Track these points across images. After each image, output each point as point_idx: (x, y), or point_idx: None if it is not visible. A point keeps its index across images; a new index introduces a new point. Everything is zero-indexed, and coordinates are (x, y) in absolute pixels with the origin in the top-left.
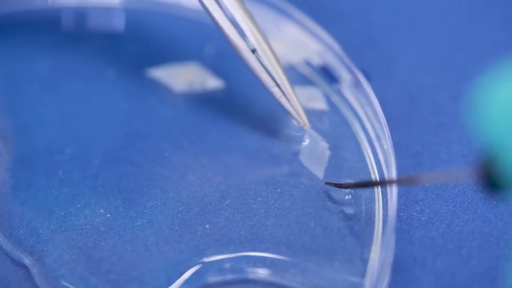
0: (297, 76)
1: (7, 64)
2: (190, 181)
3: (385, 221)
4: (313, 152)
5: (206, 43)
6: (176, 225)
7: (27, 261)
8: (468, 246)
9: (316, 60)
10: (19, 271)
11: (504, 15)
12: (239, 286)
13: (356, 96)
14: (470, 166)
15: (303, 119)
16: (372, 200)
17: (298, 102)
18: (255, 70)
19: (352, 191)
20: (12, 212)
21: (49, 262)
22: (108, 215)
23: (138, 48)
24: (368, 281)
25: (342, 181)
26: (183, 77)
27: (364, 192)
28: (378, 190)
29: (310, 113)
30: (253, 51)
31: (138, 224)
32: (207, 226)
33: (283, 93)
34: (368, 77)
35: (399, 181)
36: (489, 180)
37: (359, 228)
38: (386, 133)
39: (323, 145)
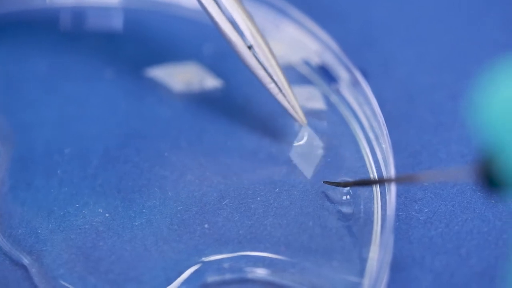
0: (296, 76)
1: (6, 64)
2: (189, 181)
3: (383, 220)
4: (306, 150)
5: (204, 43)
6: (175, 224)
7: (26, 260)
8: (467, 245)
9: (315, 60)
10: (18, 271)
11: (503, 15)
12: (238, 286)
13: (355, 96)
14: (469, 166)
15: (300, 115)
16: (370, 199)
17: (295, 98)
18: (252, 67)
19: (351, 191)
20: (11, 212)
21: (48, 262)
22: (107, 215)
23: (137, 47)
24: (366, 281)
25: (340, 180)
26: (182, 77)
27: (362, 192)
28: (376, 190)
29: (309, 113)
30: (250, 47)
31: (137, 223)
32: (206, 225)
33: (280, 90)
34: (366, 76)
35: (398, 180)
36: (488, 180)
37: (357, 228)
38: (385, 133)
39: (317, 143)
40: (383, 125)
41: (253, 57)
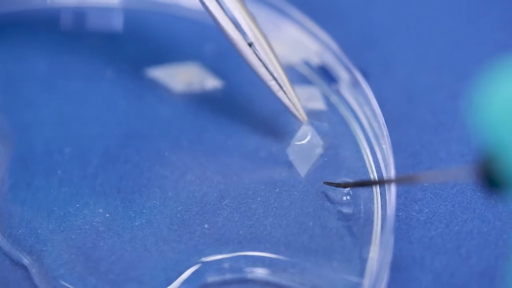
0: (296, 76)
1: (6, 63)
2: (189, 181)
3: (383, 220)
4: (304, 148)
5: (205, 43)
6: (175, 225)
7: (26, 261)
8: (467, 245)
9: (315, 60)
10: (18, 271)
11: (503, 15)
12: (238, 286)
13: (355, 96)
14: (469, 166)
15: (301, 113)
16: (370, 199)
17: (295, 96)
18: (252, 64)
19: (351, 191)
20: (11, 211)
21: (48, 262)
22: (107, 215)
23: (137, 47)
24: (367, 281)
25: (340, 181)
26: (182, 77)
27: (362, 192)
28: (376, 190)
29: (309, 113)
30: (250, 45)
31: (137, 224)
32: (206, 226)
33: (281, 87)
34: (366, 76)
35: (398, 181)
36: (488, 180)
37: (358, 228)
38: (385, 133)
39: (317, 142)
40: (383, 125)
41: (253, 55)
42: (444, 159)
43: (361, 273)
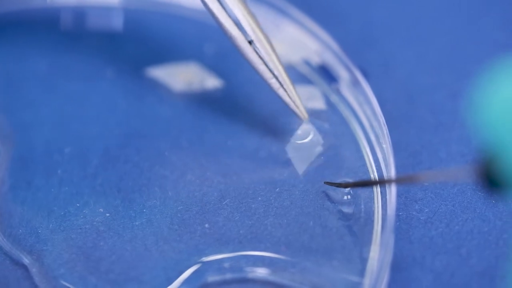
0: (296, 76)
1: (6, 63)
2: (189, 181)
3: (384, 220)
4: (304, 145)
5: (205, 42)
6: (175, 224)
7: (26, 260)
8: (467, 245)
9: (315, 60)
10: (18, 271)
11: (503, 15)
12: (239, 286)
13: (355, 95)
14: (469, 166)
15: (301, 110)
16: (371, 199)
17: (296, 93)
18: (253, 62)
19: (351, 191)
20: (12, 211)
21: (48, 262)
22: (107, 215)
23: (137, 47)
24: (367, 281)
25: (341, 181)
26: (182, 77)
27: (363, 192)
28: (377, 189)
29: (309, 113)
30: (250, 42)
31: (137, 223)
32: (206, 225)
33: (281, 85)
34: (366, 76)
35: (398, 180)
36: (488, 179)
37: (358, 228)
38: (385, 132)
39: (317, 140)
40: (384, 125)
41: (253, 52)
42: (444, 159)
43: (362, 272)
